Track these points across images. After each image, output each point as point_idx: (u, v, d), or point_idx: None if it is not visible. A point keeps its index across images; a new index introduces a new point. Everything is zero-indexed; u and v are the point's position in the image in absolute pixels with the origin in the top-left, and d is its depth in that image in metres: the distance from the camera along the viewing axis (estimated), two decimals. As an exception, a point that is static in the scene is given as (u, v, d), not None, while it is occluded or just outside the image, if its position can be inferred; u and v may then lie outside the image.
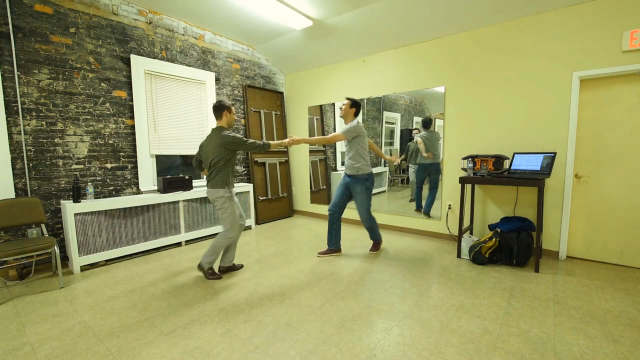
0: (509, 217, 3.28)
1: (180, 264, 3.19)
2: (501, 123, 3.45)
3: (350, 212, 4.57)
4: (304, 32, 4.24)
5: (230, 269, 2.96)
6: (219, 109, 2.74)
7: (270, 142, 2.84)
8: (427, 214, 4.08)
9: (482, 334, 1.91)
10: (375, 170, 4.62)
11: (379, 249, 3.49)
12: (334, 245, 3.35)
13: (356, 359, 1.70)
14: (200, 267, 2.79)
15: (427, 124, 4.00)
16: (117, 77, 3.45)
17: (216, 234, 4.18)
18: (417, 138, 4.11)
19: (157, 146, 3.81)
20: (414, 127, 4.18)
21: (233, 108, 2.80)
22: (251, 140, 2.73)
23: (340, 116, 3.29)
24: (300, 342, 1.86)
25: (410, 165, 4.29)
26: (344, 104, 3.24)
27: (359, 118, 4.62)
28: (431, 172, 4.03)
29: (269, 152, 5.17)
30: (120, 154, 3.51)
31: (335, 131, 4.98)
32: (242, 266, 3.08)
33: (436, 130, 3.95)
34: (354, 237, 3.98)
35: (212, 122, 4.38)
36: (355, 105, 3.25)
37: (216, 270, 2.89)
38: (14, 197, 2.81)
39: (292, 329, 1.99)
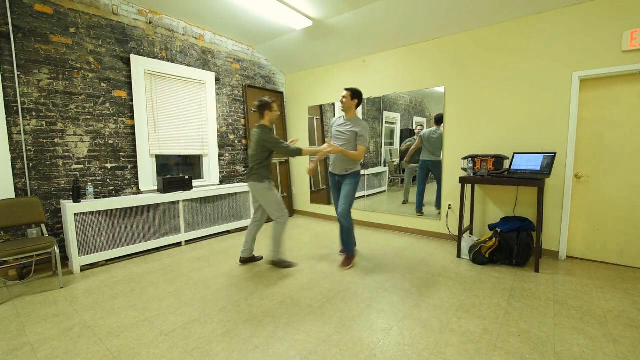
0: (509, 217, 3.28)
1: (180, 264, 3.19)
2: (501, 123, 3.45)
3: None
4: (304, 32, 4.24)
5: (249, 260, 3.14)
6: (260, 108, 2.88)
7: (303, 148, 2.88)
8: (438, 207, 4.03)
9: (482, 334, 1.92)
10: (375, 170, 4.63)
11: (351, 264, 3.05)
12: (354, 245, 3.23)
13: (356, 359, 1.70)
14: (273, 263, 3.03)
15: (440, 120, 3.92)
16: (117, 77, 3.45)
17: (216, 234, 4.21)
18: (423, 132, 4.06)
19: (157, 146, 3.81)
20: (414, 127, 4.17)
21: (274, 105, 2.90)
22: (285, 144, 2.83)
23: (342, 109, 3.04)
24: (300, 342, 1.86)
25: (410, 165, 4.28)
26: (344, 97, 2.95)
27: (360, 115, 4.65)
28: (432, 169, 4.03)
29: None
30: (120, 154, 3.51)
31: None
32: (262, 258, 3.23)
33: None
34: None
35: (212, 122, 4.39)
36: (356, 95, 2.95)
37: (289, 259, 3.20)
38: (14, 197, 2.81)
39: (292, 329, 1.99)
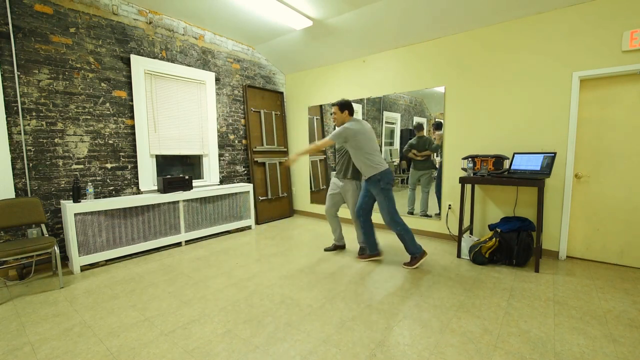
0: (509, 217, 3.28)
1: (180, 264, 3.19)
2: (501, 123, 3.45)
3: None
4: (304, 32, 4.23)
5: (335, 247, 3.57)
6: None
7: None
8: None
9: (482, 334, 1.92)
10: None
11: (415, 265, 2.96)
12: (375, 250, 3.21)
13: (356, 359, 1.70)
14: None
15: (440, 125, 3.93)
16: (117, 77, 3.45)
17: (216, 234, 4.22)
18: (437, 134, 3.98)
19: (157, 146, 3.81)
20: (434, 132, 4.10)
21: (334, 107, 3.05)
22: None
23: (337, 125, 3.03)
24: (300, 342, 1.86)
25: (425, 170, 4.08)
26: (333, 113, 3.03)
27: (360, 115, 4.64)
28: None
29: (269, 151, 5.17)
30: (120, 154, 3.51)
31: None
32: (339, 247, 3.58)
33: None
34: (354, 237, 3.98)
35: (212, 122, 4.38)
36: (344, 107, 2.98)
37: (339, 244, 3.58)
38: (14, 197, 2.81)
39: (292, 329, 1.99)
